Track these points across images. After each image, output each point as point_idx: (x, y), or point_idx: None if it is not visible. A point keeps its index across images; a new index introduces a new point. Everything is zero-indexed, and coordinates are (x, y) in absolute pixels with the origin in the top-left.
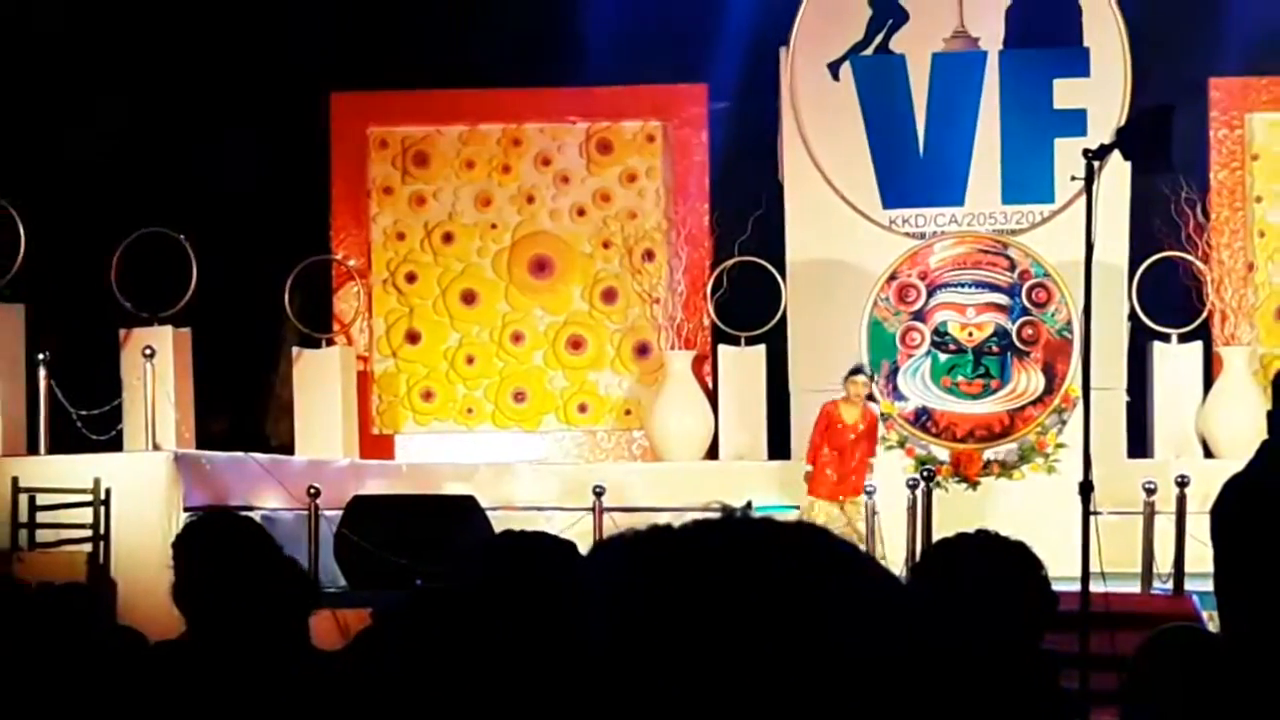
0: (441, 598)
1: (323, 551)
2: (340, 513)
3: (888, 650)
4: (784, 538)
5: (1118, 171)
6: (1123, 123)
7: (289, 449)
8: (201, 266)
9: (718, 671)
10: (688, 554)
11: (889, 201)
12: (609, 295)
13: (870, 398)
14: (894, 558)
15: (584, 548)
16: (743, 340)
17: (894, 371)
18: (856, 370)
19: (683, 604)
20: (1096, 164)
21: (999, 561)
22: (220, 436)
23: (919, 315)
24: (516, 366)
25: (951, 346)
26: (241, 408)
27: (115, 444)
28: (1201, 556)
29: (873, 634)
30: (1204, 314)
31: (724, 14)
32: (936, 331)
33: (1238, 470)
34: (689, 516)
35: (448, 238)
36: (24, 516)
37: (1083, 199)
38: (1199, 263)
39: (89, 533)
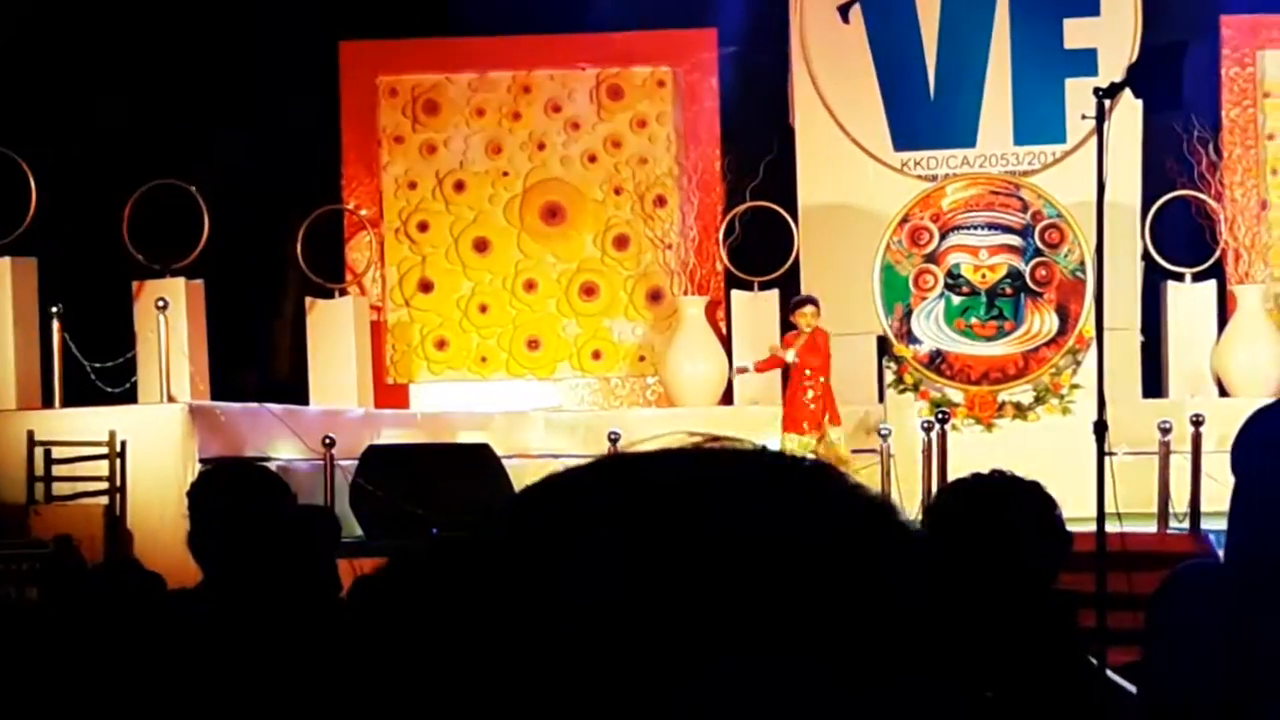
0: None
1: (338, 501)
2: (355, 462)
3: (892, 593)
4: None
5: (1129, 110)
6: (1134, 61)
7: (303, 399)
8: (213, 218)
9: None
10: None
11: (900, 144)
12: (621, 242)
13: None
14: (908, 501)
15: None
16: (756, 285)
17: (907, 314)
18: (803, 301)
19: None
20: (1108, 102)
21: (1014, 502)
22: (235, 387)
23: (932, 258)
24: (529, 314)
25: (965, 289)
26: (255, 359)
27: (130, 396)
28: (1218, 495)
29: (874, 573)
30: (1217, 253)
31: None
32: (949, 274)
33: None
34: None
35: (459, 186)
36: (40, 470)
37: (1094, 139)
38: (1212, 201)
39: (105, 485)
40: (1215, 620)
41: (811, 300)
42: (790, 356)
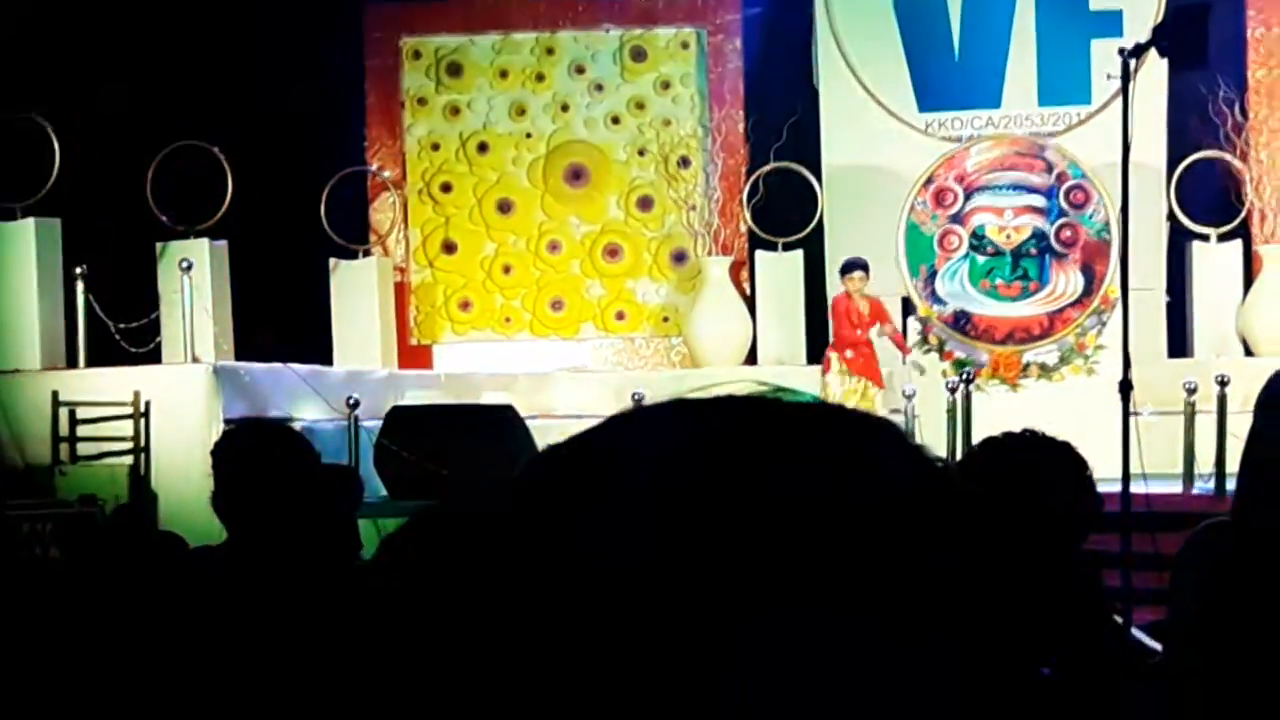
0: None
1: (362, 462)
2: (380, 423)
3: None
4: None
5: (1154, 71)
6: (1159, 21)
7: (327, 359)
8: (237, 179)
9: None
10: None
11: (925, 105)
12: (645, 203)
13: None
14: None
15: None
16: (780, 246)
17: (932, 275)
18: (851, 265)
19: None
20: (1133, 63)
21: (1046, 461)
22: (259, 348)
23: (956, 218)
24: (553, 275)
25: (989, 249)
26: (280, 320)
27: (154, 356)
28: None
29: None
30: (1243, 213)
31: None
32: (974, 234)
33: None
34: None
35: (483, 147)
36: (64, 430)
37: (1119, 100)
38: (1237, 162)
39: (129, 445)
40: (1238, 578)
41: (858, 264)
42: (877, 333)
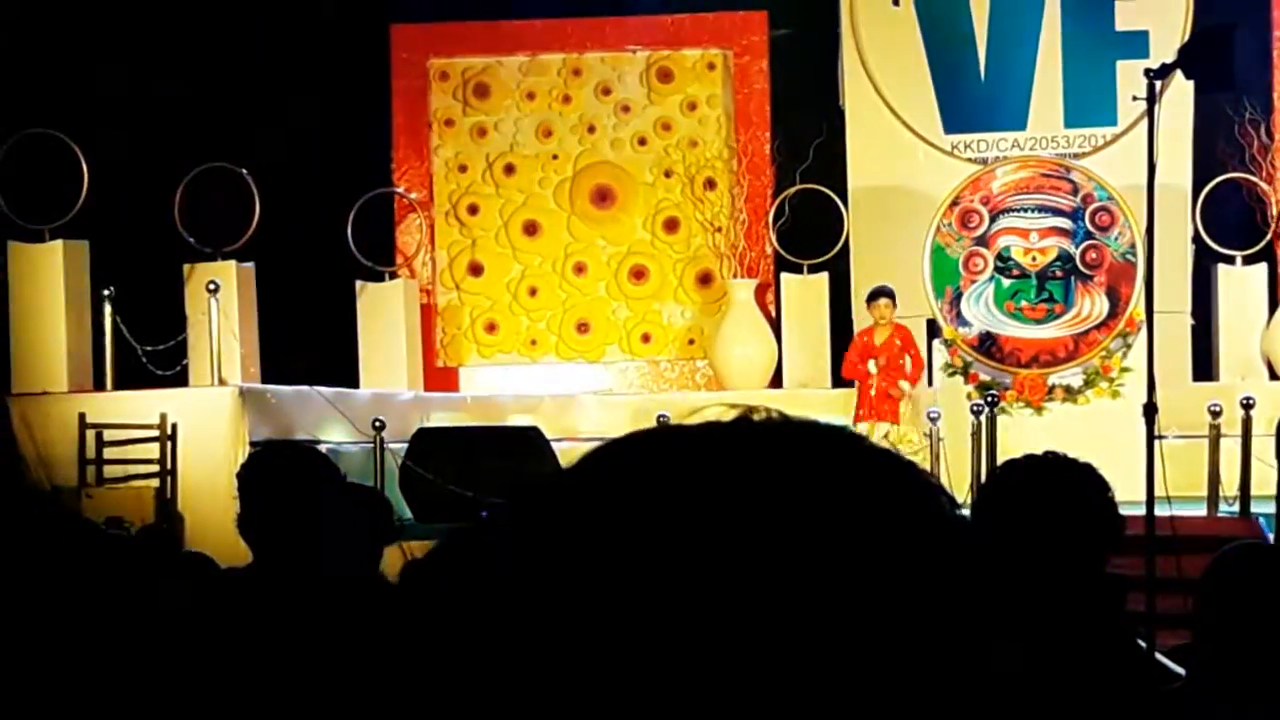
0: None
1: (388, 484)
2: (405, 445)
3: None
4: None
5: (1180, 93)
6: (1185, 43)
7: (353, 382)
8: (264, 201)
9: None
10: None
11: (950, 126)
12: (671, 225)
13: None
14: (958, 484)
15: None
16: (805, 268)
17: (957, 297)
18: (877, 293)
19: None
20: (1158, 84)
21: (1067, 483)
22: (286, 371)
23: (982, 240)
24: (579, 297)
25: (1015, 271)
26: (307, 342)
27: (181, 379)
28: (1268, 479)
29: (922, 556)
30: (1268, 236)
31: None
32: (999, 256)
33: None
34: None
35: (509, 169)
36: (91, 453)
37: (1145, 122)
38: (1263, 184)
39: (156, 468)
40: (1263, 601)
41: (885, 292)
42: (872, 368)
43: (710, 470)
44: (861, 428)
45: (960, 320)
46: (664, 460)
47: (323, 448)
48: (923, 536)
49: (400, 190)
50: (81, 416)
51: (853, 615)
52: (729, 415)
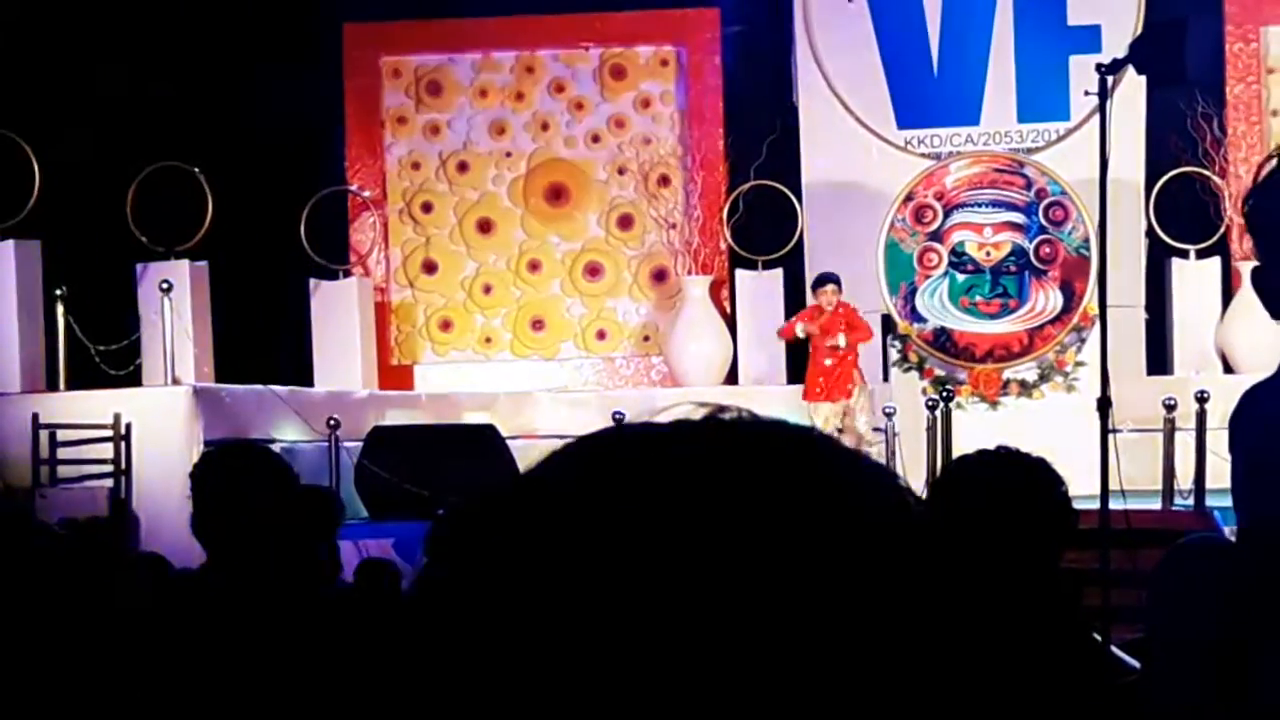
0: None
1: (343, 483)
2: (360, 444)
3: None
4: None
5: (1133, 87)
6: (1137, 37)
7: (308, 380)
8: (217, 200)
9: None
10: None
11: (904, 122)
12: (625, 222)
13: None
14: (913, 479)
15: None
16: (760, 264)
17: (912, 292)
18: (823, 279)
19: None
20: (1110, 79)
21: (1018, 477)
22: (240, 370)
23: (936, 236)
24: (534, 295)
25: (969, 266)
26: (261, 341)
27: (134, 379)
28: (1222, 472)
29: (895, 557)
30: (1222, 229)
31: None
32: (954, 252)
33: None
34: None
35: (463, 167)
36: (45, 453)
37: (1098, 116)
38: (1216, 178)
39: (110, 468)
40: (1217, 596)
41: (830, 278)
42: (800, 331)
43: (683, 470)
44: (812, 407)
45: (915, 315)
46: (634, 460)
47: (277, 447)
48: (895, 538)
49: (354, 188)
50: (35, 416)
51: (829, 616)
52: (697, 415)
